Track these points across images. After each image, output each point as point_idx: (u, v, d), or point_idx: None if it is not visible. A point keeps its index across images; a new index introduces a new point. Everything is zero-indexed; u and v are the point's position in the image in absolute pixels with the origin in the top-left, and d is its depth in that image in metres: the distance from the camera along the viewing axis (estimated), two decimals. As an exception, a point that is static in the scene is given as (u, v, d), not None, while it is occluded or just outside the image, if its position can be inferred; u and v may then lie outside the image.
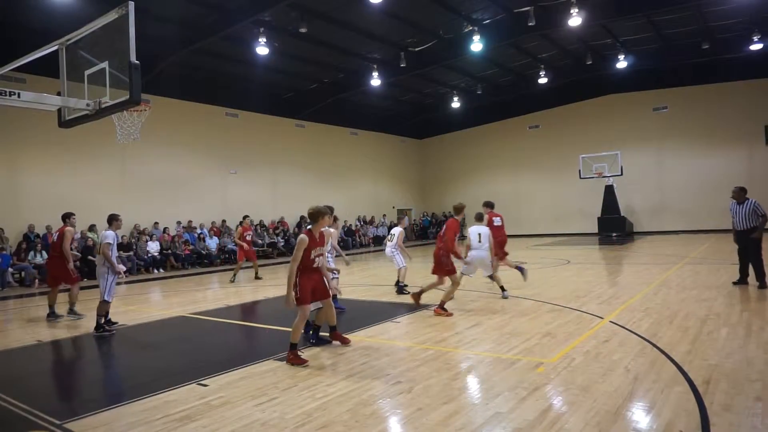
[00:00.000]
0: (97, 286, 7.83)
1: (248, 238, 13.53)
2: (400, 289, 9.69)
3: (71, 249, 9.16)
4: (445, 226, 7.82)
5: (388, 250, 9.99)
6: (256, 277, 13.46)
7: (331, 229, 9.23)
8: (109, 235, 7.54)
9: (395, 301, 8.98)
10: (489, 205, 10.09)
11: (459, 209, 8.16)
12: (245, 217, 14.27)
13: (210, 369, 5.12)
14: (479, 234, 8.39)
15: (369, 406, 3.95)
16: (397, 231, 9.98)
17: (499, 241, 9.52)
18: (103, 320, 7.40)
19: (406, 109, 28.14)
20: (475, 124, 29.11)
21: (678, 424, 3.35)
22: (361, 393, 4.24)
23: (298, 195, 23.55)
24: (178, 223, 18.73)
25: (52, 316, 8.70)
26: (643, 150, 24.31)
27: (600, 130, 25.43)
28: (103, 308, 7.40)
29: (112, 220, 7.77)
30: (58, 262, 8.76)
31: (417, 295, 8.29)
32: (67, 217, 8.92)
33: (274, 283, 12.35)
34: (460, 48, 18.26)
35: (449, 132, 30.65)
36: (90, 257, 15.04)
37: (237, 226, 14.97)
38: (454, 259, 7.85)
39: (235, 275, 13.44)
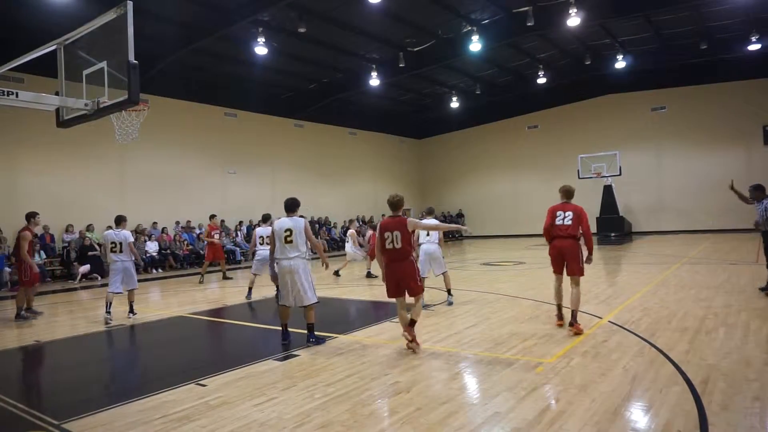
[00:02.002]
0: (91, 286, 7.88)
1: (215, 237, 13.39)
2: (369, 274, 12.29)
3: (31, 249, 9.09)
4: (574, 214, 6.20)
5: (349, 248, 12.80)
6: (224, 278, 13.46)
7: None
8: (130, 235, 8.32)
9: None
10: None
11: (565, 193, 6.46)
12: (212, 216, 14.04)
13: (209, 369, 5.12)
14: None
15: (368, 406, 3.95)
16: (349, 233, 12.98)
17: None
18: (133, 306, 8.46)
19: (405, 109, 28.14)
20: (474, 125, 29.13)
21: (676, 424, 3.35)
22: (359, 393, 4.23)
23: (297, 195, 23.07)
24: (177, 223, 18.71)
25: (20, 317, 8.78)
26: (642, 150, 24.33)
27: (598, 130, 25.46)
28: (134, 295, 8.48)
29: (123, 220, 8.41)
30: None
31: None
32: (31, 217, 8.87)
33: (270, 283, 12.32)
34: (459, 48, 18.27)
35: (448, 132, 30.66)
36: (91, 254, 15.06)
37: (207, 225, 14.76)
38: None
39: (203, 276, 13.40)
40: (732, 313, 6.63)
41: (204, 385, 4.62)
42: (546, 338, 5.75)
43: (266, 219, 10.19)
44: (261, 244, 9.85)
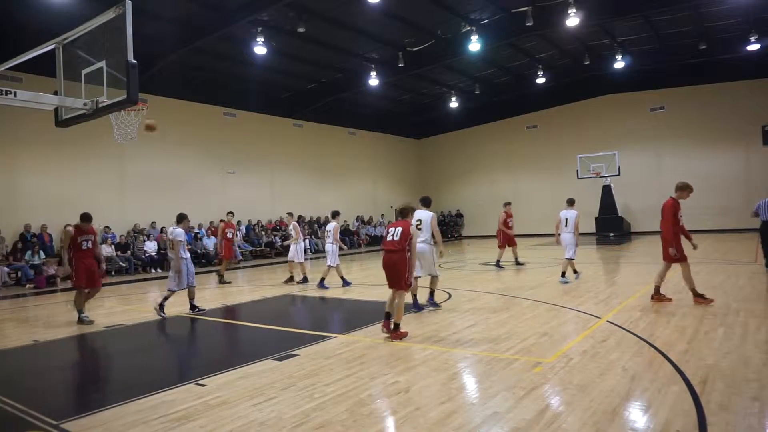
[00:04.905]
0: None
1: (229, 235, 13.06)
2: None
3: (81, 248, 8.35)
4: (662, 209, 7.51)
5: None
6: (221, 282, 12.73)
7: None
8: (180, 233, 8.45)
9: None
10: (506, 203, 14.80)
11: (682, 187, 7.50)
12: (229, 213, 13.79)
13: (208, 369, 5.12)
14: (566, 219, 10.26)
15: (367, 405, 3.95)
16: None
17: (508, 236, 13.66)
18: (194, 303, 8.58)
19: (404, 109, 28.14)
20: (473, 124, 29.14)
21: (675, 424, 3.36)
22: (359, 393, 4.23)
23: (296, 195, 23.57)
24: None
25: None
26: (641, 150, 24.35)
27: (597, 130, 25.47)
28: (192, 293, 8.57)
29: (180, 219, 8.81)
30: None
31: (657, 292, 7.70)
32: (81, 220, 8.55)
33: (272, 283, 12.34)
34: (458, 48, 18.27)
35: (447, 132, 30.67)
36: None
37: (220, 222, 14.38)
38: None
39: (223, 275, 13.02)
40: (731, 313, 6.64)
41: (203, 385, 4.62)
42: (545, 338, 5.75)
43: (335, 215, 11.40)
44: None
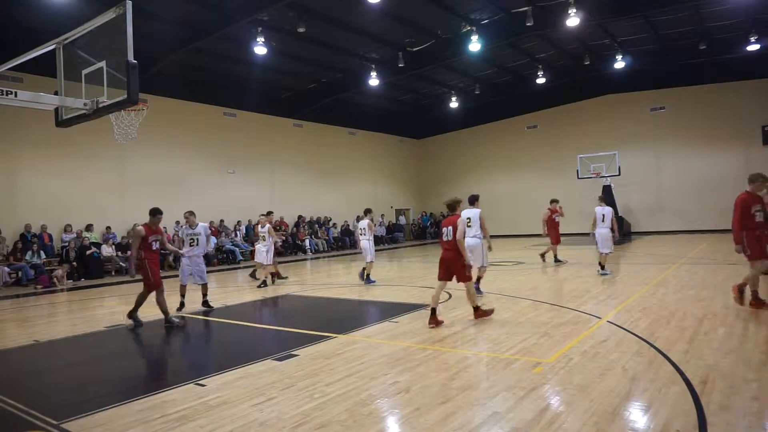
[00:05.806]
0: (84, 288, 7.89)
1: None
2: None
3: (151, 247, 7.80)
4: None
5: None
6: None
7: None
8: (182, 230, 9.19)
9: (394, 300, 8.98)
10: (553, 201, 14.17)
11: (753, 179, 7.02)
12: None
13: (208, 369, 5.12)
14: (603, 214, 10.82)
15: (367, 405, 3.95)
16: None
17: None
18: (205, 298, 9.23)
19: (404, 109, 28.15)
20: (473, 124, 29.15)
21: (675, 424, 3.36)
22: (359, 393, 4.23)
23: (296, 195, 23.58)
24: (177, 222, 18.69)
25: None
26: (641, 150, 24.36)
27: (598, 130, 25.48)
28: (204, 289, 9.29)
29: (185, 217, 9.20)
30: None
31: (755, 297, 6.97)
32: (151, 215, 7.86)
33: (271, 283, 12.31)
34: (459, 48, 18.28)
35: (447, 132, 30.69)
36: (89, 253, 15.02)
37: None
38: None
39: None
40: (731, 313, 6.64)
41: (203, 385, 4.62)
42: (545, 338, 5.75)
43: (367, 212, 11.89)
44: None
